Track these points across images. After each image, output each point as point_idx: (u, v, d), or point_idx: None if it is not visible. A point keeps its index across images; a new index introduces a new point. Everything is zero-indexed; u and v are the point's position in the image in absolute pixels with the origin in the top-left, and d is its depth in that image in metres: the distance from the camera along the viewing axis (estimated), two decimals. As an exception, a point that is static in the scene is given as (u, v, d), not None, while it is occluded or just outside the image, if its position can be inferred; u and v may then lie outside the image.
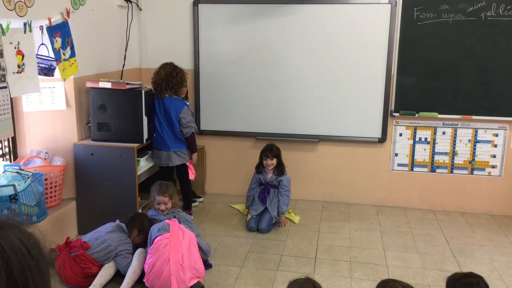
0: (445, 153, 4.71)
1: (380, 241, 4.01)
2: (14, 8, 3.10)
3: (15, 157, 3.86)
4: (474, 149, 4.65)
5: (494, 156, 4.64)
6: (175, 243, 3.06)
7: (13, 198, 3.19)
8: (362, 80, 4.60)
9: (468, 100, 4.50)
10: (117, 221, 3.43)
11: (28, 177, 3.36)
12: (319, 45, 4.60)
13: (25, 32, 3.24)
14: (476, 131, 4.62)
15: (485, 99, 4.47)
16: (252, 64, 4.74)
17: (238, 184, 4.91)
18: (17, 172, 3.41)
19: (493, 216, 4.64)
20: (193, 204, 4.65)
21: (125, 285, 3.10)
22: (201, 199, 4.89)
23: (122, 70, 4.52)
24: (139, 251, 3.25)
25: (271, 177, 4.32)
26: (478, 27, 4.33)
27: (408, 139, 4.73)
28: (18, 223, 0.83)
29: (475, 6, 4.28)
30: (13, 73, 3.15)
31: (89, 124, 3.97)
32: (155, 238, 3.10)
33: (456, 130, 4.65)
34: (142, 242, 3.36)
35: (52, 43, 3.50)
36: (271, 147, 4.32)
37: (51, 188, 3.70)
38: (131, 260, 3.23)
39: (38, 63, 3.45)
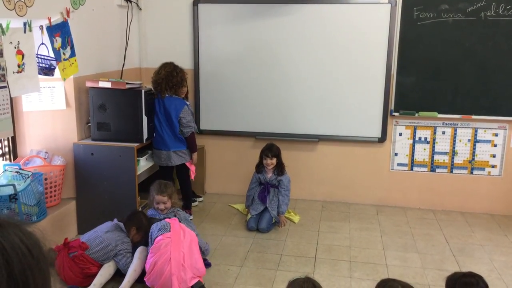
0: (445, 153, 4.71)
1: (380, 241, 4.02)
2: (14, 7, 3.10)
3: (15, 157, 3.86)
4: (474, 148, 4.66)
5: (494, 156, 4.64)
6: (176, 242, 3.05)
7: (13, 197, 3.19)
8: (362, 80, 4.61)
9: (468, 100, 4.50)
10: (115, 220, 3.42)
11: (28, 177, 3.36)
12: (319, 44, 4.60)
13: (25, 32, 3.24)
14: (476, 131, 4.62)
15: (485, 98, 4.47)
16: (252, 63, 4.74)
17: (238, 183, 4.92)
18: (17, 172, 3.41)
19: (492, 216, 4.65)
20: (193, 204, 4.65)
21: (125, 283, 3.10)
22: (201, 199, 4.89)
23: (122, 70, 4.52)
24: (140, 249, 3.25)
25: (271, 177, 4.32)
26: (478, 27, 4.33)
27: (408, 138, 4.74)
28: (19, 222, 0.83)
29: (474, 6, 4.28)
30: (13, 72, 3.15)
31: (89, 124, 3.97)
32: (156, 237, 3.09)
33: (456, 130, 4.65)
34: (141, 239, 3.35)
35: (52, 42, 3.50)
36: (271, 147, 4.32)
37: (51, 187, 3.70)
38: (131, 259, 3.23)
39: (38, 62, 3.45)
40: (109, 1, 4.33)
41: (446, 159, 4.72)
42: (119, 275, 3.23)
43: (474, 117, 4.53)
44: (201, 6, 4.73)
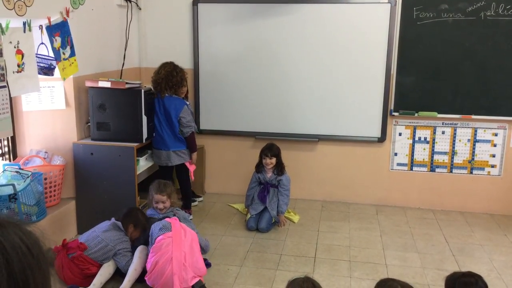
0: (445, 153, 4.71)
1: (379, 241, 4.02)
2: (14, 7, 3.10)
3: (15, 157, 3.86)
4: (474, 148, 4.66)
5: (494, 156, 4.64)
6: (178, 242, 3.05)
7: (13, 197, 3.19)
8: (362, 80, 4.61)
9: (467, 100, 4.50)
10: (113, 219, 3.41)
11: (28, 177, 3.36)
12: (319, 44, 4.60)
13: (24, 32, 3.24)
14: (476, 131, 4.62)
15: (485, 98, 4.47)
16: (252, 63, 4.74)
17: (237, 183, 4.92)
18: (17, 172, 3.41)
19: (492, 216, 4.65)
20: (193, 204, 4.65)
21: (126, 283, 3.10)
22: (200, 199, 4.89)
23: (122, 70, 4.52)
24: (140, 248, 3.25)
25: (271, 176, 4.32)
26: (478, 27, 4.33)
27: (408, 138, 4.74)
28: (18, 221, 0.83)
29: (474, 6, 4.29)
30: (13, 72, 3.15)
31: (89, 124, 3.97)
32: (157, 237, 3.09)
33: (455, 130, 4.65)
34: (140, 236, 3.36)
35: (51, 42, 3.49)
36: (271, 146, 4.32)
37: (50, 187, 3.70)
38: (131, 258, 3.24)
39: (37, 62, 3.45)
40: (109, 1, 4.33)
41: (445, 159, 4.72)
42: (119, 274, 3.23)
43: (473, 117, 4.53)
44: (200, 6, 4.73)
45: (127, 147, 3.83)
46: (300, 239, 4.02)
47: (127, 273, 3.14)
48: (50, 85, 3.74)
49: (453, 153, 4.70)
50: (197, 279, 3.07)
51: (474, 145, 4.65)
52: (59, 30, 3.55)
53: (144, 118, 3.91)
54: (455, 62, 4.44)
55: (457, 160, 4.70)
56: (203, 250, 3.39)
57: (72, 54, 3.70)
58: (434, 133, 4.69)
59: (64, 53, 3.61)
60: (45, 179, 3.61)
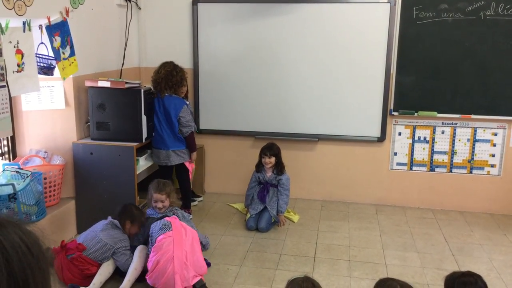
0: (444, 152, 4.72)
1: (379, 240, 4.02)
2: (13, 7, 3.10)
3: (14, 156, 3.86)
4: (473, 148, 4.66)
5: (493, 155, 4.64)
6: (179, 241, 3.05)
7: (12, 197, 3.18)
8: (361, 79, 4.61)
9: (467, 99, 4.50)
10: (109, 218, 3.40)
11: (27, 176, 3.36)
12: (319, 44, 4.60)
13: (24, 31, 3.24)
14: (475, 130, 4.62)
15: (484, 98, 4.47)
16: (252, 63, 4.74)
17: (237, 183, 4.92)
18: (16, 171, 3.41)
19: (492, 215, 4.65)
20: (192, 204, 4.65)
21: (126, 282, 3.11)
22: (200, 199, 4.89)
23: (121, 69, 4.52)
24: (140, 248, 3.26)
25: (270, 176, 4.32)
26: (477, 26, 4.33)
27: (407, 138, 4.74)
28: (18, 221, 0.83)
29: (474, 5, 4.29)
30: (13, 72, 3.15)
31: (88, 123, 3.97)
32: (157, 236, 3.09)
33: (455, 129, 4.66)
34: (138, 230, 3.36)
35: (51, 42, 3.49)
36: (271, 146, 4.32)
37: (50, 187, 3.70)
38: (130, 257, 3.24)
39: (37, 62, 3.45)
40: (109, 1, 4.33)
41: (445, 158, 4.72)
42: (119, 274, 3.23)
43: (473, 116, 4.54)
44: (200, 6, 4.73)
45: (127, 146, 3.83)
46: (299, 238, 4.03)
47: (127, 273, 3.15)
48: (50, 84, 3.74)
49: (452, 152, 4.70)
50: (198, 278, 3.07)
51: (474, 144, 4.65)
52: (58, 30, 3.55)
53: (144, 118, 3.91)
54: (455, 61, 4.44)
55: (457, 159, 4.70)
56: (204, 246, 3.39)
57: (72, 53, 3.70)
58: (434, 132, 4.69)
59: (63, 53, 3.61)
60: (45, 178, 3.61)
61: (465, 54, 4.41)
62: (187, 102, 4.28)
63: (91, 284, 3.10)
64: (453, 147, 4.68)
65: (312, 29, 4.58)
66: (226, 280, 3.31)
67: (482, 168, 4.68)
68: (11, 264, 0.76)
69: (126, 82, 3.89)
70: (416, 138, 4.73)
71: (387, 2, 4.42)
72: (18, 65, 3.19)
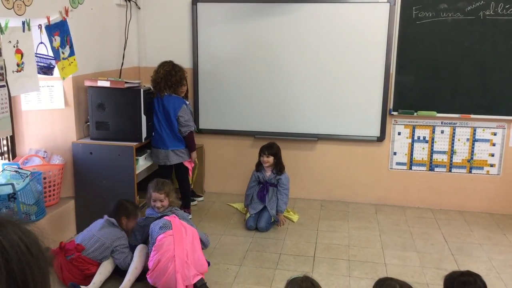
0: (444, 152, 4.72)
1: (378, 240, 4.02)
2: (13, 6, 3.10)
3: (14, 156, 3.86)
4: (473, 148, 4.66)
5: (493, 155, 4.64)
6: (179, 240, 3.06)
7: (12, 196, 3.18)
8: (361, 79, 4.61)
9: (466, 99, 4.50)
10: (105, 217, 3.39)
11: (27, 176, 3.36)
12: (318, 44, 4.61)
13: (23, 31, 3.24)
14: (475, 130, 4.63)
15: (484, 98, 4.48)
16: (251, 63, 4.75)
17: (237, 182, 4.92)
18: (16, 171, 3.41)
19: (491, 215, 4.65)
20: (192, 203, 4.65)
21: (126, 281, 3.11)
22: (201, 199, 4.89)
23: (121, 69, 4.52)
24: (140, 247, 3.26)
25: (270, 176, 4.32)
26: (477, 26, 4.33)
27: (407, 138, 4.74)
28: (18, 220, 0.83)
29: (473, 5, 4.29)
30: (13, 72, 3.15)
31: (88, 123, 3.97)
32: (158, 236, 3.09)
33: (454, 129, 4.66)
34: (136, 224, 3.38)
35: (51, 41, 3.49)
36: (270, 145, 4.32)
37: (49, 187, 3.70)
38: (129, 255, 3.25)
39: (37, 62, 3.44)
40: (108, 0, 4.33)
41: (445, 158, 4.72)
42: (119, 274, 3.23)
43: (472, 116, 4.54)
44: (200, 5, 4.73)
45: (126, 146, 3.83)
46: (299, 238, 4.03)
47: (128, 272, 3.15)
48: (50, 84, 3.74)
49: (452, 152, 4.70)
50: (199, 277, 3.07)
51: (473, 144, 4.65)
52: (58, 30, 3.55)
53: (143, 118, 3.91)
54: (454, 61, 4.44)
55: (456, 159, 4.70)
56: (204, 244, 3.39)
57: (72, 53, 3.70)
58: (433, 132, 4.69)
59: (63, 53, 3.61)
60: (44, 178, 3.61)
61: (464, 54, 4.42)
62: (187, 102, 4.28)
63: (91, 284, 3.10)
64: (452, 146, 4.69)
65: (312, 28, 4.59)
66: (226, 280, 3.31)
67: (482, 168, 4.69)
68: (10, 263, 0.76)
69: (126, 82, 3.89)
70: (415, 138, 4.73)
71: (387, 2, 4.42)
72: (18, 65, 3.20)
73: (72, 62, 3.70)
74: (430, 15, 4.37)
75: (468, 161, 4.69)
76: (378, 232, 4.18)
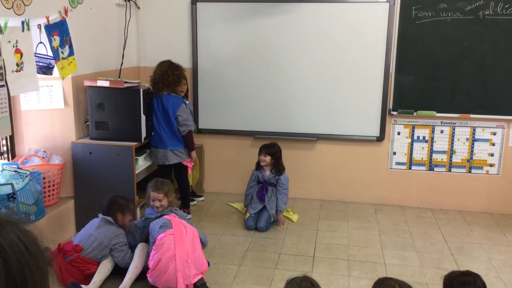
0: (443, 152, 4.72)
1: (378, 240, 4.02)
2: (12, 6, 3.10)
3: (13, 156, 3.86)
4: (472, 147, 4.66)
5: (492, 155, 4.65)
6: (180, 239, 3.05)
7: (11, 196, 3.18)
8: (361, 79, 4.61)
9: (466, 99, 4.50)
10: (101, 216, 3.38)
11: (26, 176, 3.36)
12: (318, 43, 4.60)
13: (23, 31, 3.24)
14: (474, 130, 4.63)
15: (483, 97, 4.48)
16: (251, 62, 4.74)
17: (236, 182, 4.92)
18: (15, 171, 3.41)
19: (491, 215, 4.65)
20: (192, 203, 4.65)
21: (127, 280, 3.11)
22: (201, 199, 4.89)
23: (120, 69, 4.52)
24: (141, 245, 3.26)
25: (269, 175, 4.32)
26: (477, 26, 4.33)
27: (406, 137, 4.74)
28: (17, 220, 0.83)
29: (473, 5, 4.29)
30: (12, 71, 3.15)
31: (87, 123, 3.97)
32: (158, 235, 3.09)
33: (454, 129, 4.66)
34: (132, 218, 3.41)
35: (50, 41, 3.49)
36: (270, 145, 4.32)
37: (49, 186, 3.70)
38: (128, 252, 3.25)
39: (36, 61, 3.44)
40: (108, 0, 4.32)
41: (444, 158, 4.72)
42: (119, 274, 3.23)
43: (472, 116, 4.54)
44: (199, 5, 4.73)
45: (126, 146, 3.83)
46: (299, 238, 4.03)
47: (128, 271, 3.15)
48: (49, 84, 3.74)
49: (451, 152, 4.70)
50: (199, 277, 3.07)
51: (473, 144, 4.65)
52: (57, 29, 3.54)
53: (143, 117, 3.91)
54: (454, 61, 4.44)
55: (456, 159, 4.70)
56: (203, 244, 3.39)
57: (71, 53, 3.69)
58: (433, 132, 4.69)
59: (62, 52, 3.61)
60: (44, 178, 3.61)
61: (464, 54, 4.42)
62: (187, 102, 4.28)
63: (91, 283, 3.10)
64: (452, 146, 4.69)
65: (311, 28, 4.58)
66: (226, 280, 3.31)
67: (481, 168, 4.69)
68: (9, 263, 0.76)
69: (125, 82, 3.89)
70: (415, 138, 4.73)
71: (386, 2, 4.42)
72: (17, 65, 3.19)
73: (71, 62, 3.70)
74: (430, 14, 4.37)
75: (468, 160, 4.69)
76: (377, 232, 4.18)
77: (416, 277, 3.39)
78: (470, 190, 4.72)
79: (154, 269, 3.01)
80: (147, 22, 4.90)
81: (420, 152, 4.75)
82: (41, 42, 3.48)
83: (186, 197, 4.43)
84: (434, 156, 4.73)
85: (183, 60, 4.62)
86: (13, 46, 3.15)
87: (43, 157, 3.75)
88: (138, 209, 4.01)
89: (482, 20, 4.31)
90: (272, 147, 4.31)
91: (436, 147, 4.71)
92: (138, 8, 4.85)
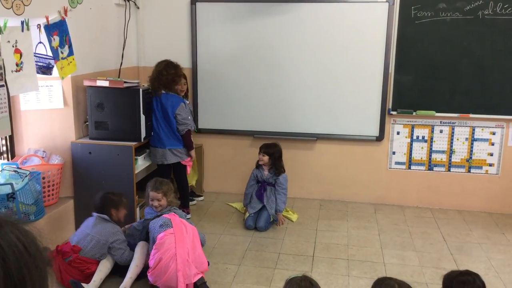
0: (443, 151, 4.72)
1: (377, 239, 4.02)
2: (12, 6, 3.10)
3: (13, 156, 3.86)
4: (472, 147, 4.66)
5: (491, 155, 4.65)
6: (180, 238, 3.06)
7: (11, 196, 3.18)
8: (360, 79, 4.61)
9: (465, 99, 4.51)
10: (95, 214, 3.37)
11: (26, 176, 3.36)
12: (317, 43, 4.61)
13: (22, 31, 3.24)
14: (474, 130, 4.63)
15: (483, 97, 4.48)
16: (250, 62, 4.75)
17: (236, 182, 4.92)
18: (15, 171, 3.41)
19: (490, 214, 4.66)
20: (191, 203, 4.65)
21: (127, 279, 3.11)
22: (201, 198, 4.89)
23: (120, 69, 4.52)
24: (141, 244, 3.26)
25: (267, 175, 4.32)
26: (476, 26, 4.33)
27: (406, 137, 4.74)
28: (16, 220, 0.83)
29: (472, 5, 4.29)
30: (12, 71, 3.15)
31: (87, 123, 3.97)
32: (158, 234, 3.08)
33: (453, 129, 4.66)
34: (127, 212, 3.42)
35: (50, 41, 3.49)
36: (269, 145, 4.32)
37: (48, 186, 3.70)
38: (126, 250, 3.25)
39: (36, 61, 3.44)
40: (107, 0, 4.32)
41: (443, 157, 4.73)
42: (119, 274, 3.23)
43: (471, 115, 4.54)
44: (199, 5, 4.73)
45: (125, 146, 3.83)
46: (298, 237, 4.03)
47: (128, 270, 3.15)
48: (48, 84, 3.74)
49: (451, 151, 4.70)
50: (199, 276, 3.08)
51: (472, 143, 4.66)
52: (57, 29, 3.54)
53: (142, 117, 3.91)
54: (453, 61, 4.44)
55: (455, 158, 4.71)
56: (201, 243, 3.39)
57: (71, 53, 3.69)
58: (432, 131, 4.69)
59: (62, 52, 3.61)
60: (43, 178, 3.61)
61: (463, 54, 4.42)
62: (186, 101, 4.28)
63: (91, 282, 3.10)
64: (451, 146, 4.69)
65: (311, 28, 4.59)
66: (225, 279, 3.31)
67: (481, 167, 4.69)
68: (7, 263, 0.76)
69: (125, 82, 3.89)
70: (414, 137, 4.73)
71: (386, 2, 4.42)
72: (17, 65, 3.19)
73: (71, 62, 3.70)
74: (429, 14, 4.38)
75: (467, 160, 4.70)
76: (377, 232, 4.19)
77: (416, 277, 3.39)
78: (469, 190, 4.73)
79: (154, 268, 3.01)
80: (146, 22, 4.90)
81: (420, 151, 4.75)
82: (40, 42, 3.48)
83: (185, 197, 4.43)
84: (434, 156, 4.74)
85: (183, 60, 4.62)
86: (13, 46, 3.15)
87: (42, 157, 3.75)
88: (138, 209, 4.01)
89: (481, 20, 4.31)
90: (271, 147, 4.31)
91: (435, 147, 4.72)
92: (138, 8, 4.85)
